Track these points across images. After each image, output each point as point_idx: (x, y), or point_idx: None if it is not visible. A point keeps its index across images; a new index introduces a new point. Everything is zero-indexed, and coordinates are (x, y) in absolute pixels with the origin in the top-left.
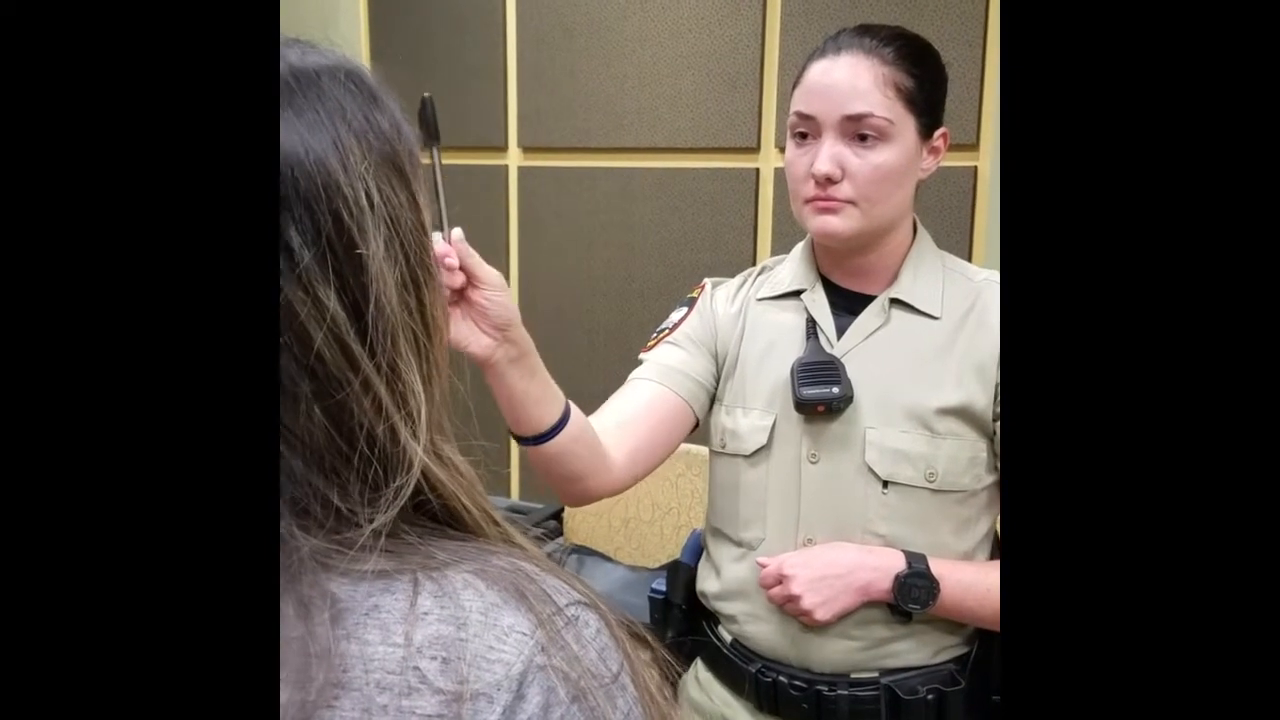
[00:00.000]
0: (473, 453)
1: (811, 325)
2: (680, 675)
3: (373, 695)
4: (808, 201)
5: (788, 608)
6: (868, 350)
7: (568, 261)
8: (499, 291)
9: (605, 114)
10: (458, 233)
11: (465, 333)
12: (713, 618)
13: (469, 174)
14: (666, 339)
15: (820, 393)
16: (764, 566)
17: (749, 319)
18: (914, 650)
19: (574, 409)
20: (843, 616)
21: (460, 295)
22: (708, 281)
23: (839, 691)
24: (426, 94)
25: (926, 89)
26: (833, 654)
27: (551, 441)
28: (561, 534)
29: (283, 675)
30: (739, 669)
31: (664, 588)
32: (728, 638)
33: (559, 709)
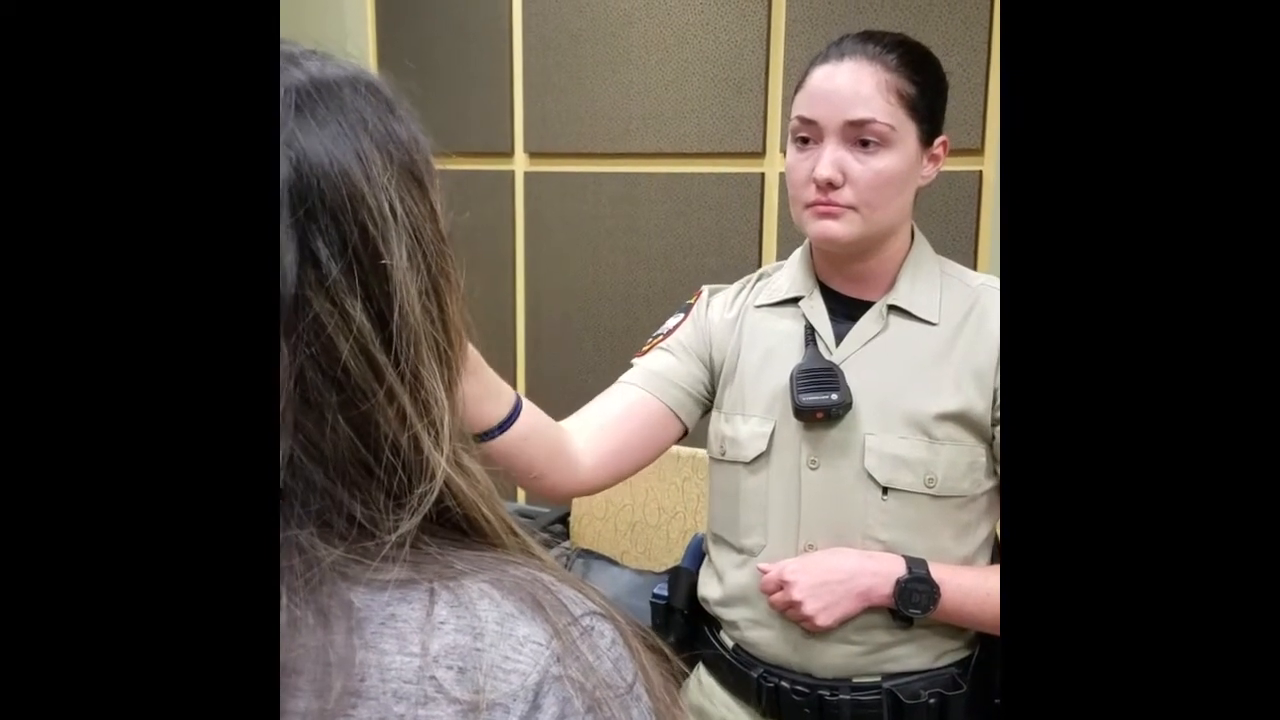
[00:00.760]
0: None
1: (810, 332)
2: (683, 681)
3: (389, 704)
4: (808, 206)
5: (789, 613)
6: (866, 357)
7: (573, 266)
8: None
9: (610, 119)
10: None
11: None
12: (714, 623)
13: (475, 179)
14: (659, 345)
15: (819, 399)
16: (765, 573)
17: (747, 326)
18: (915, 655)
19: (527, 408)
20: (844, 622)
21: None
22: (705, 289)
23: (841, 696)
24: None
25: (928, 96)
26: (834, 659)
27: (499, 439)
28: (568, 538)
29: (301, 684)
30: (741, 674)
31: (666, 593)
32: (730, 643)
33: (574, 719)
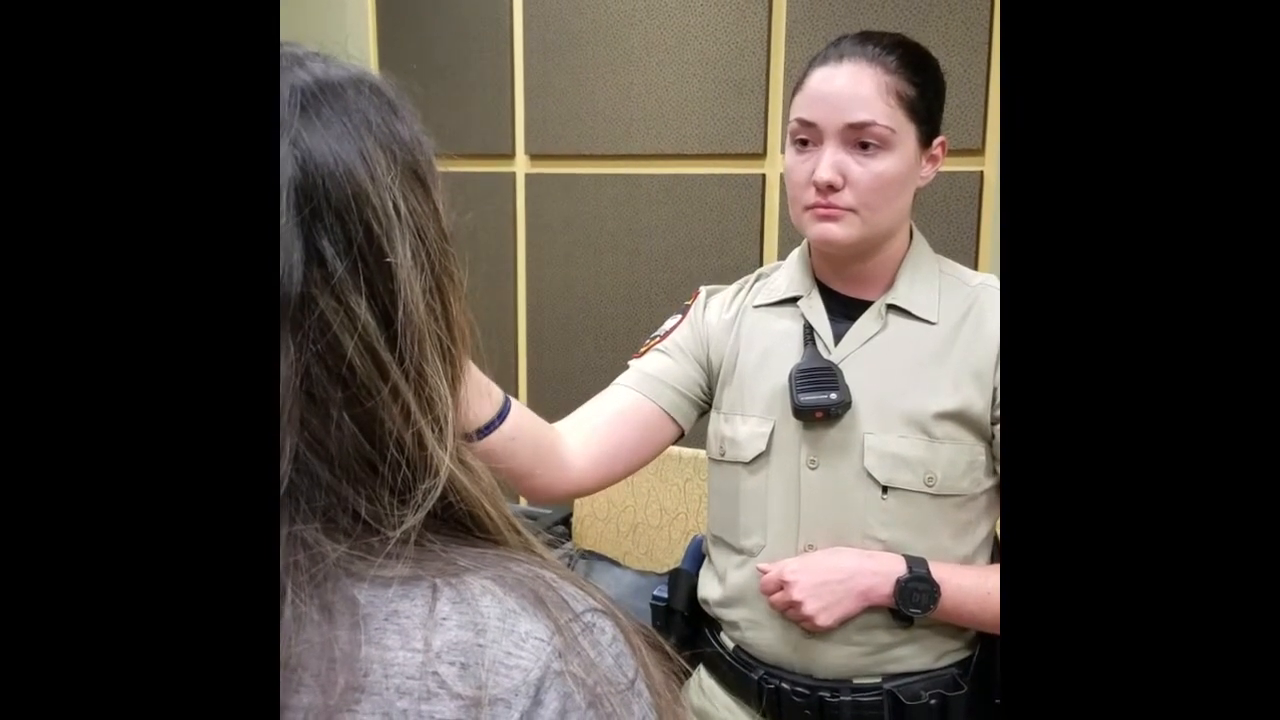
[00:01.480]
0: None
1: (809, 331)
2: (685, 680)
3: (392, 700)
4: (808, 208)
5: (789, 614)
6: (865, 356)
7: (575, 268)
8: None
9: (611, 121)
10: None
11: None
12: (715, 624)
13: (476, 181)
14: (656, 346)
15: (818, 399)
16: (765, 573)
17: (745, 326)
18: (916, 655)
19: (516, 409)
20: (844, 622)
21: None
22: (702, 289)
23: (842, 697)
24: None
25: (927, 97)
26: (835, 660)
27: (486, 439)
28: (570, 539)
29: (305, 679)
30: (742, 676)
31: (665, 595)
32: (730, 644)
33: (575, 714)
